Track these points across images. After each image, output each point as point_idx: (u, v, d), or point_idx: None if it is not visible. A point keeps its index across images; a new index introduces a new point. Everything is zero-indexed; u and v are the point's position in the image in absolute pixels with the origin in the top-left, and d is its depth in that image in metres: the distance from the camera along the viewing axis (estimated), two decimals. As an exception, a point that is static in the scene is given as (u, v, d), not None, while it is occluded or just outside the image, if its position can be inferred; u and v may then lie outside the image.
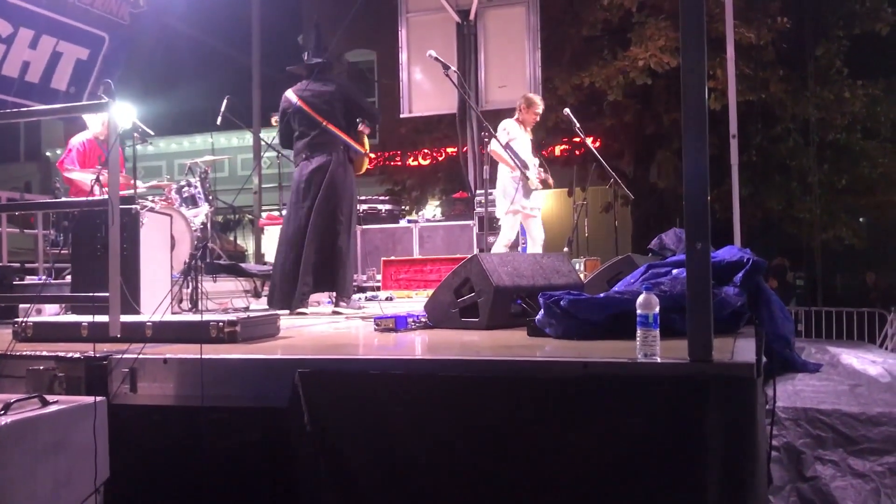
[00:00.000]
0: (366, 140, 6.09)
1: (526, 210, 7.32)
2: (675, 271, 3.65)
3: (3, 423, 2.38)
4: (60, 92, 8.11)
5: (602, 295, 3.51)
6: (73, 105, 4.02)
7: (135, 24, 9.00)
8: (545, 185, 7.53)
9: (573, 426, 2.60)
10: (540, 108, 7.47)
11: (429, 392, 2.74)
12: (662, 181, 14.36)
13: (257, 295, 7.11)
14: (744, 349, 2.84)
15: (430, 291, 8.10)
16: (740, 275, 3.64)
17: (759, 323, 3.76)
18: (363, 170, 6.14)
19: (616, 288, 3.78)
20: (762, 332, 3.62)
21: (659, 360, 2.59)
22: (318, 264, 5.58)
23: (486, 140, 6.09)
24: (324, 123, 5.72)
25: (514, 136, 7.30)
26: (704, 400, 2.46)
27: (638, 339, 2.63)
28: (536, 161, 7.52)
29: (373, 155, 5.80)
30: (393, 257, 8.85)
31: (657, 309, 2.62)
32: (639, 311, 2.63)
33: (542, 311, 3.44)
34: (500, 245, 7.38)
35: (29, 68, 7.92)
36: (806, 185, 14.04)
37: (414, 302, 6.95)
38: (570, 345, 3.22)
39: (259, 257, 9.89)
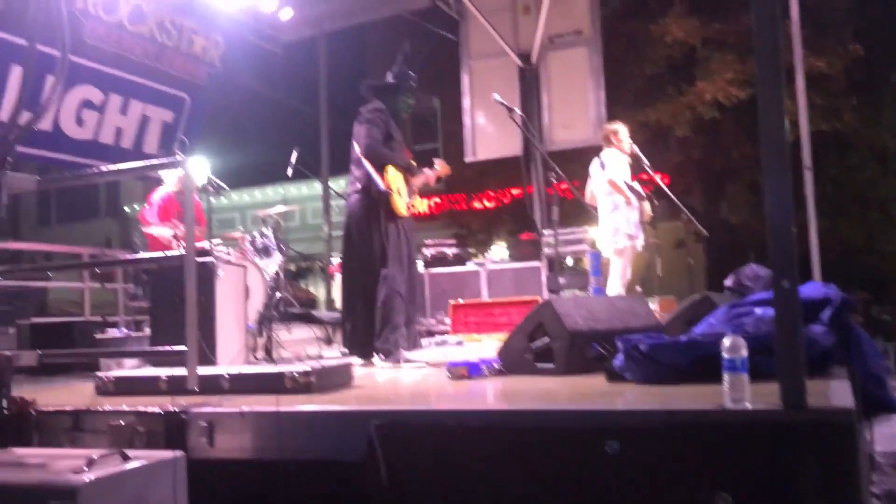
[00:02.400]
0: (390, 173, 5.30)
1: (636, 243, 7.24)
2: (758, 311, 3.51)
3: (87, 479, 2.39)
4: (152, 156, 8.45)
5: (684, 338, 3.39)
6: (150, 163, 4.15)
7: (211, 83, 9.34)
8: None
9: (659, 478, 2.49)
10: (623, 131, 7.45)
11: (507, 444, 2.67)
12: (734, 216, 14.02)
13: (329, 342, 7.14)
14: (839, 392, 2.69)
15: (500, 335, 8.05)
16: (828, 312, 3.48)
17: (850, 362, 3.58)
18: (399, 209, 5.30)
19: (697, 330, 3.65)
20: (855, 373, 3.45)
21: (749, 406, 2.47)
22: (350, 323, 5.38)
23: (554, 181, 6.04)
24: (356, 151, 5.35)
25: (622, 166, 7.29)
26: (801, 448, 2.32)
27: (725, 384, 2.51)
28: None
29: (397, 191, 5.28)
30: (461, 301, 8.81)
31: (745, 352, 2.50)
32: (725, 356, 2.52)
33: (620, 356, 3.34)
34: (616, 284, 7.28)
35: (122, 134, 8.28)
36: (887, 216, 13.52)
37: (484, 346, 6.88)
38: (652, 391, 3.11)
39: (330, 304, 9.97)
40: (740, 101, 11.86)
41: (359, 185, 5.35)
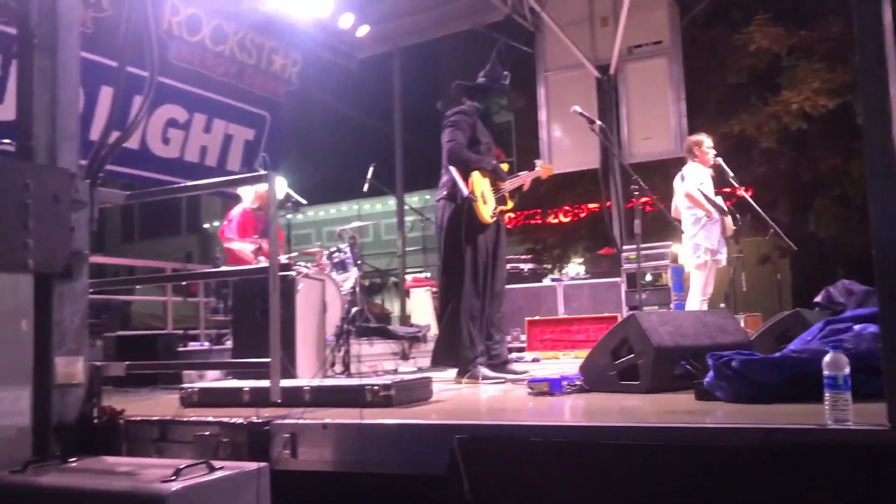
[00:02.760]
0: (475, 178, 5.09)
1: (718, 258, 7.06)
2: (856, 327, 3.34)
3: (174, 488, 2.42)
4: (235, 174, 8.67)
5: (778, 355, 3.24)
6: (234, 178, 4.29)
7: (290, 101, 9.53)
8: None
9: (755, 500, 2.37)
10: (708, 142, 7.28)
11: (593, 461, 2.59)
12: (822, 230, 13.52)
13: (405, 357, 7.14)
14: (951, 414, 2.52)
15: (577, 352, 7.94)
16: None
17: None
18: (483, 217, 5.03)
19: (791, 346, 3.49)
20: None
21: (853, 426, 2.33)
22: (441, 332, 5.25)
23: (635, 194, 5.90)
24: (443, 155, 5.23)
25: (702, 179, 7.12)
26: (911, 472, 2.18)
27: (826, 402, 2.38)
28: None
29: (479, 198, 5.05)
30: (537, 317, 8.71)
31: (848, 370, 2.37)
32: (826, 373, 2.39)
33: (710, 373, 3.22)
34: (697, 300, 7.12)
35: (207, 152, 8.52)
36: None
37: (561, 363, 6.77)
38: (745, 409, 2.98)
39: (404, 319, 10.00)
40: (828, 110, 11.44)
41: (444, 192, 5.20)
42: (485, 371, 4.97)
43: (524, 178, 5.49)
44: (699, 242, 7.06)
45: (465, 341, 4.99)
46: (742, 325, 7.40)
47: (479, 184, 5.10)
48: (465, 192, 4.97)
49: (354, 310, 6.42)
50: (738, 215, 7.26)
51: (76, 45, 3.47)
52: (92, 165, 3.42)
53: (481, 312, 5.11)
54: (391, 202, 15.65)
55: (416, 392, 3.73)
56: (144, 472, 2.65)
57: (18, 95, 3.35)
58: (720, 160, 7.18)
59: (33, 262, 3.06)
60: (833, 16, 11.48)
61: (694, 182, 7.11)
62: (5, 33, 6.10)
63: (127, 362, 3.69)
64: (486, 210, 5.09)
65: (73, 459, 2.92)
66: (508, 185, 5.37)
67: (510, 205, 5.39)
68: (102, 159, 3.43)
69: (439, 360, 5.23)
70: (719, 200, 7.20)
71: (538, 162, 5.75)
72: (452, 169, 5.08)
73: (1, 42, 6.25)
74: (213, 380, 5.36)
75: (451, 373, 5.13)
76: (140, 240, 25.84)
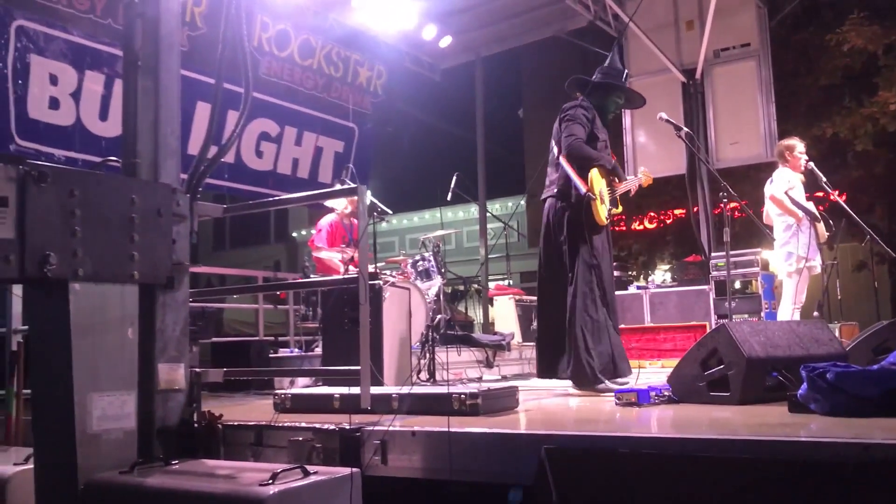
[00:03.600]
0: (594, 176, 4.88)
1: (812, 265, 6.87)
2: (961, 339, 3.21)
3: (272, 491, 2.51)
4: (326, 185, 8.92)
5: (876, 367, 3.14)
6: (326, 191, 4.46)
7: (375, 112, 9.73)
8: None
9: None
10: (801, 146, 7.10)
11: (682, 473, 2.57)
12: (923, 236, 12.94)
13: (489, 365, 7.17)
14: None
15: (664, 361, 7.81)
16: None
17: None
18: (600, 217, 4.83)
19: (890, 359, 3.38)
20: None
21: (958, 443, 2.25)
22: (547, 340, 4.94)
23: (724, 199, 5.78)
24: (555, 150, 5.00)
25: (793, 184, 6.96)
26: None
27: (929, 418, 2.31)
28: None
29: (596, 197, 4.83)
30: (623, 325, 8.60)
31: (952, 384, 2.29)
32: (929, 387, 2.31)
33: (804, 385, 3.14)
34: (788, 309, 6.94)
35: (298, 165, 8.80)
36: None
37: (648, 372, 6.68)
38: (842, 423, 2.90)
39: (487, 327, 10.03)
40: (929, 110, 10.96)
41: (555, 189, 4.97)
42: (609, 384, 4.67)
43: (632, 184, 5.32)
44: (791, 250, 6.88)
45: (585, 352, 4.69)
46: (837, 334, 7.17)
47: (598, 182, 4.90)
48: (583, 189, 4.76)
49: (439, 317, 6.49)
50: (831, 221, 7.03)
51: (177, 65, 3.65)
52: (192, 180, 3.58)
53: (605, 320, 4.82)
54: (473, 210, 15.74)
55: (502, 401, 3.76)
56: (243, 476, 2.76)
57: (124, 115, 3.53)
58: (812, 165, 6.97)
59: (138, 273, 3.22)
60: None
61: (781, 186, 6.94)
62: (109, 53, 6.44)
63: (224, 369, 3.84)
64: (603, 211, 4.88)
65: (176, 462, 3.06)
66: (623, 188, 5.19)
67: (620, 208, 5.20)
68: (202, 174, 3.58)
69: (545, 370, 4.99)
70: (811, 206, 6.99)
71: (642, 169, 5.68)
72: (565, 164, 4.86)
73: (105, 62, 6.59)
74: (303, 386, 5.52)
75: (537, 381, 5.12)
76: (230, 248, 26.65)
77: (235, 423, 3.58)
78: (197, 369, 3.61)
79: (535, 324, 5.15)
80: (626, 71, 5.31)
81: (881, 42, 11.42)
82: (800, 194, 6.99)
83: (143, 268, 3.23)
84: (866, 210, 12.70)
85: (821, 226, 6.84)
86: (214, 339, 7.17)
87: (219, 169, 7.60)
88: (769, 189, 7.09)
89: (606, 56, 5.42)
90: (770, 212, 7.14)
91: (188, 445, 3.40)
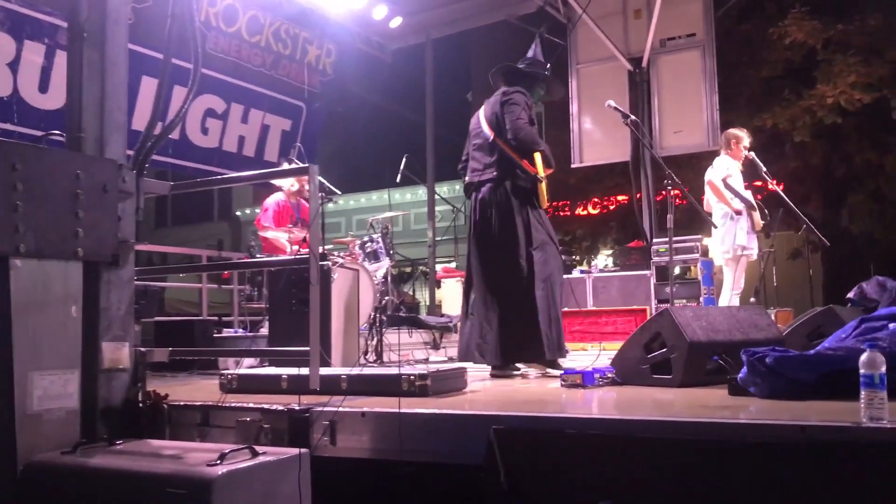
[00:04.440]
0: (538, 160, 4.97)
1: (748, 252, 7.04)
2: (892, 325, 3.35)
3: (220, 472, 2.50)
4: (272, 164, 8.79)
5: (812, 352, 3.26)
6: (276, 171, 4.41)
7: (324, 91, 9.62)
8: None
9: (788, 496, 2.40)
10: (747, 140, 7.26)
11: (626, 454, 2.64)
12: (855, 226, 13.37)
13: (436, 347, 7.21)
14: None
15: (605, 344, 7.95)
16: (972, 328, 3.29)
17: None
18: (544, 201, 4.99)
19: (826, 343, 3.51)
20: None
21: (888, 424, 2.35)
22: (504, 328, 4.81)
23: (668, 186, 5.89)
24: (492, 136, 4.99)
25: (731, 172, 7.11)
26: (946, 471, 2.20)
27: (862, 401, 2.41)
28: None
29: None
30: (566, 309, 8.72)
31: (884, 368, 2.40)
32: (863, 371, 2.41)
33: (744, 369, 3.24)
34: (727, 295, 7.12)
35: (244, 142, 8.64)
36: None
37: (589, 355, 6.79)
38: (780, 405, 3.00)
39: (434, 309, 10.07)
40: (864, 105, 11.29)
41: (494, 174, 4.97)
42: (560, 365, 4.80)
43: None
44: (728, 237, 7.05)
45: (547, 331, 4.74)
46: (773, 319, 7.40)
47: (541, 166, 4.97)
48: (532, 172, 4.89)
49: (387, 299, 6.49)
50: (766, 210, 7.23)
51: (124, 39, 3.56)
52: (138, 156, 3.51)
53: (558, 301, 4.89)
54: (422, 192, 15.71)
55: (451, 382, 3.79)
56: (189, 456, 2.74)
57: (68, 88, 3.44)
58: (753, 154, 7.15)
59: (83, 250, 3.15)
60: (871, 9, 11.32)
61: (720, 173, 7.11)
62: (50, 24, 6.23)
63: (170, 348, 3.78)
64: (546, 194, 4.99)
65: (120, 442, 3.01)
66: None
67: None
68: (149, 150, 3.51)
69: (515, 357, 4.90)
70: (748, 195, 7.17)
71: None
72: (505, 149, 4.92)
73: (46, 32, 6.38)
74: (248, 366, 5.47)
75: (484, 364, 5.14)
76: (172, 226, 26.15)
77: (181, 404, 3.54)
78: (142, 348, 3.56)
79: (473, 313, 4.98)
80: (548, 64, 5.39)
81: (820, 37, 11.73)
82: (738, 182, 7.16)
83: (87, 245, 3.16)
84: (802, 200, 13.07)
85: (756, 214, 7.03)
86: (158, 319, 7.05)
87: (164, 146, 7.42)
88: (709, 175, 7.25)
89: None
90: (710, 199, 7.30)
91: (133, 426, 3.36)
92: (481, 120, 5.17)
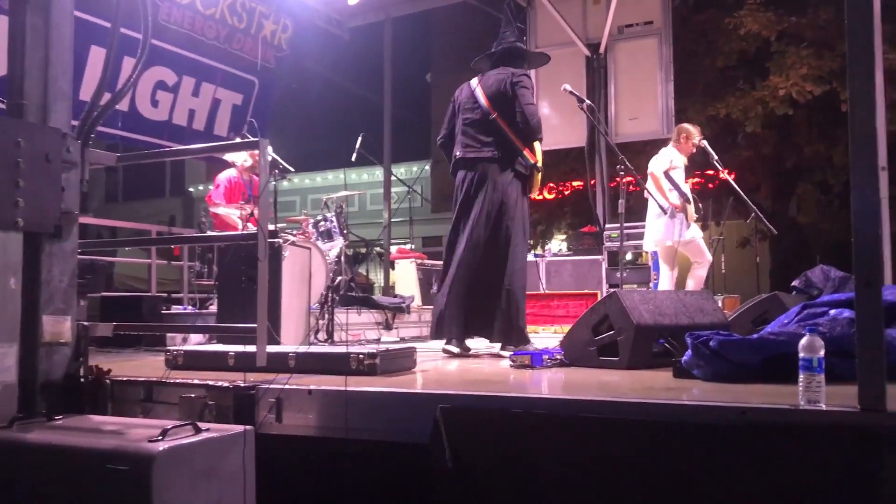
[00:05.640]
0: (538, 149, 5.00)
1: (692, 240, 7.12)
2: (832, 312, 3.43)
3: (161, 447, 2.46)
4: (222, 138, 8.64)
5: (755, 336, 3.32)
6: (226, 143, 4.30)
7: (279, 67, 9.47)
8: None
9: (728, 476, 2.46)
10: (697, 138, 7.33)
11: (571, 433, 2.66)
12: (803, 216, 13.68)
13: (388, 327, 7.20)
14: (919, 398, 2.61)
15: (556, 327, 8.03)
16: (905, 316, 3.38)
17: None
18: (536, 190, 5.07)
19: (769, 328, 3.58)
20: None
21: (824, 407, 2.41)
22: (474, 302, 4.82)
23: (621, 173, 5.94)
24: (493, 115, 4.90)
25: (675, 164, 7.19)
26: (878, 452, 2.26)
27: (801, 384, 2.46)
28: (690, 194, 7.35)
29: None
30: (519, 292, 8.76)
31: (822, 353, 2.45)
32: (802, 355, 2.46)
33: (689, 352, 3.30)
34: (666, 280, 7.21)
35: (195, 116, 8.47)
36: (965, 220, 12.99)
37: (541, 337, 6.85)
38: (722, 388, 3.06)
39: (388, 290, 10.04)
40: (814, 97, 11.52)
41: (494, 153, 4.90)
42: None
43: None
44: (662, 227, 7.15)
45: (522, 317, 4.83)
46: (720, 305, 7.53)
47: (540, 156, 5.01)
48: (532, 160, 4.92)
49: (339, 279, 6.46)
50: (700, 204, 7.35)
51: (70, 4, 3.45)
52: (83, 126, 3.42)
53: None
54: (378, 172, 15.63)
55: (399, 361, 3.79)
56: (131, 432, 2.69)
57: (10, 53, 3.33)
58: (705, 143, 7.24)
59: (23, 220, 3.07)
60: (823, 3, 11.52)
61: (662, 164, 7.18)
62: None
63: (114, 323, 3.71)
64: (538, 184, 5.04)
65: (59, 417, 2.96)
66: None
67: None
68: (94, 120, 3.42)
69: (479, 332, 4.94)
70: (686, 188, 7.26)
71: None
72: (506, 130, 4.87)
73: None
74: (196, 343, 5.40)
75: (436, 343, 5.15)
76: (124, 201, 25.67)
77: (124, 379, 3.48)
78: (85, 322, 3.49)
79: (448, 283, 4.93)
80: (524, 28, 5.40)
81: (774, 28, 11.90)
82: (679, 176, 7.22)
83: (28, 215, 3.08)
84: (753, 189, 13.33)
85: (690, 207, 7.09)
86: (104, 294, 6.92)
87: (112, 117, 7.28)
88: (651, 165, 7.33)
89: (517, 27, 5.43)
90: (649, 188, 7.40)
91: (74, 401, 3.29)
92: (478, 95, 5.03)
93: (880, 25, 7.05)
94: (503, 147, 4.91)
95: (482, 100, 4.99)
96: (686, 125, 7.59)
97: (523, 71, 5.06)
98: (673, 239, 7.08)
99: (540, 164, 4.98)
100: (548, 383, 3.57)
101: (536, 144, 5.00)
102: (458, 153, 5.08)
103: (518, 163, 4.92)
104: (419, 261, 9.11)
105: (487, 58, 5.22)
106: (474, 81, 5.14)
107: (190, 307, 7.54)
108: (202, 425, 2.71)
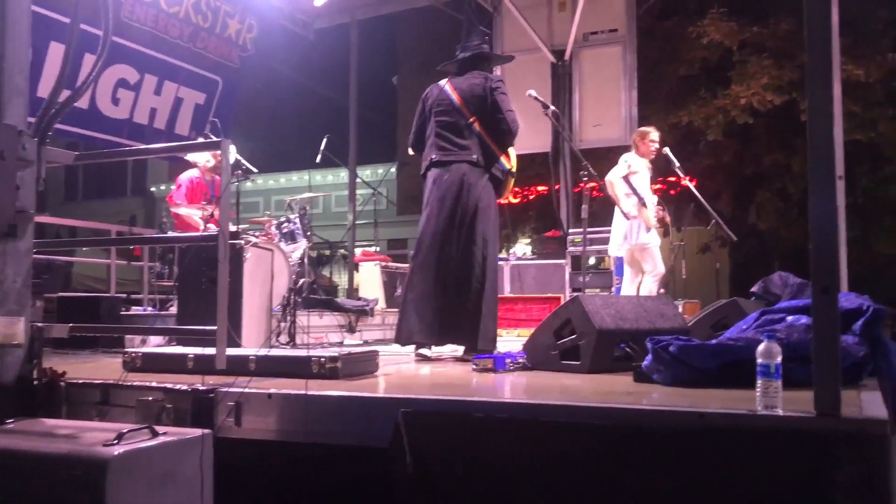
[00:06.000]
0: (513, 154, 5.07)
1: (646, 246, 7.17)
2: (790, 318, 3.48)
3: (116, 452, 2.42)
4: (184, 137, 8.52)
5: (714, 341, 3.36)
6: (189, 143, 4.22)
7: (243, 67, 9.38)
8: (662, 223, 7.38)
9: (686, 480, 2.48)
10: (654, 135, 7.39)
11: (533, 437, 2.67)
12: (762, 223, 13.91)
13: (352, 330, 7.16)
14: (872, 403, 2.66)
15: (520, 330, 8.06)
16: (860, 323, 3.43)
17: (880, 374, 3.54)
18: (506, 195, 5.11)
19: (728, 334, 3.62)
20: (886, 385, 3.41)
21: (781, 412, 2.45)
22: (445, 305, 4.78)
23: (585, 178, 5.98)
24: (470, 119, 4.87)
25: (635, 169, 7.23)
26: (833, 457, 2.30)
27: (758, 389, 2.49)
28: (655, 199, 7.38)
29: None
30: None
31: (780, 358, 2.48)
32: (760, 360, 2.49)
33: (649, 357, 3.32)
34: (628, 285, 7.26)
35: (156, 115, 8.34)
36: (919, 229, 13.32)
37: (504, 340, 6.87)
38: (681, 393, 3.09)
39: (352, 293, 9.99)
40: (775, 106, 11.74)
41: (474, 157, 4.87)
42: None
43: None
44: (623, 232, 7.22)
45: (491, 320, 4.79)
46: (681, 310, 7.61)
47: (515, 161, 5.07)
48: (507, 166, 4.98)
49: (302, 281, 6.41)
50: (667, 219, 7.44)
51: (27, -1, 3.39)
52: (40, 123, 3.35)
53: None
54: (343, 174, 15.58)
55: (362, 365, 3.76)
56: (85, 436, 2.64)
57: (-35, 48, 3.25)
58: (667, 150, 7.31)
59: (-24, 219, 3.00)
60: (784, 14, 11.73)
61: (619, 171, 7.24)
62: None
63: (70, 324, 3.64)
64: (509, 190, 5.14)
65: (11, 421, 2.89)
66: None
67: None
68: (52, 117, 3.36)
69: (449, 338, 4.91)
70: (647, 192, 7.32)
71: None
72: (483, 134, 4.87)
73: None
74: (155, 345, 5.32)
75: (399, 347, 5.11)
76: (84, 200, 25.22)
77: (80, 381, 3.41)
78: (39, 324, 3.42)
79: (420, 287, 4.88)
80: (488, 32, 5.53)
81: (736, 38, 12.10)
82: (642, 179, 7.27)
83: (-20, 213, 3.01)
84: (713, 196, 13.50)
85: (647, 212, 7.16)
86: (62, 294, 6.78)
87: (72, 115, 7.11)
88: (609, 173, 7.38)
89: (481, 29, 5.45)
90: (610, 194, 7.46)
91: (26, 404, 3.22)
92: (451, 97, 5.00)
93: (838, 39, 7.25)
94: (480, 151, 4.91)
95: (457, 102, 4.97)
96: (641, 127, 7.66)
97: (499, 77, 5.12)
98: (631, 242, 7.14)
99: (514, 169, 5.03)
100: (510, 387, 3.57)
101: (511, 150, 5.05)
102: (433, 156, 5.03)
103: (495, 167, 4.95)
104: (384, 263, 9.08)
105: (456, 62, 5.21)
106: (445, 83, 5.12)
107: (149, 308, 7.43)
108: (159, 429, 2.67)
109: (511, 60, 5.94)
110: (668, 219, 7.49)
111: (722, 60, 12.68)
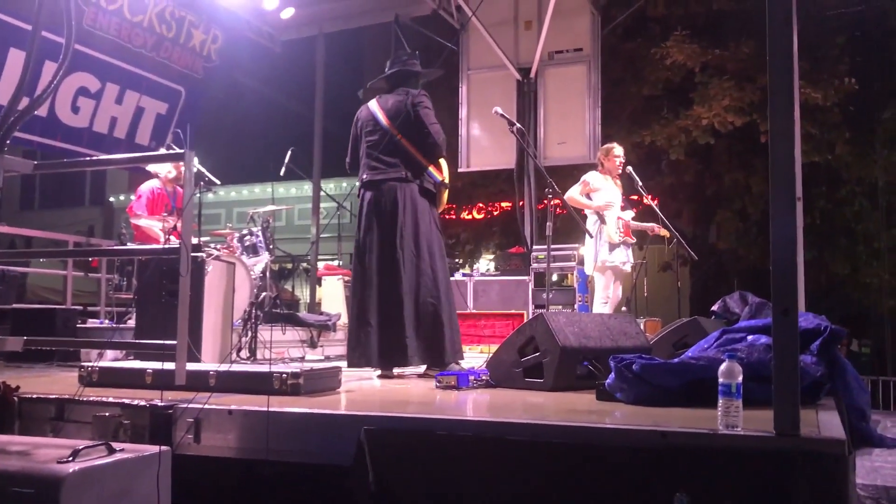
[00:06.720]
0: (444, 165, 5.15)
1: (612, 264, 7.20)
2: (750, 337, 3.53)
3: (70, 469, 2.36)
4: (144, 147, 8.41)
5: (676, 360, 3.39)
6: (152, 154, 4.15)
7: (207, 77, 9.30)
8: (631, 235, 7.42)
9: (648, 498, 2.49)
10: (618, 150, 7.45)
11: (496, 455, 2.66)
12: (722, 242, 14.11)
13: (314, 345, 7.10)
14: (830, 423, 2.70)
15: (483, 347, 8.06)
16: (817, 343, 3.50)
17: (836, 393, 3.60)
18: (442, 206, 5.16)
19: (689, 353, 3.66)
20: (842, 405, 3.47)
21: (742, 431, 2.47)
22: (403, 330, 4.74)
23: (549, 195, 6.02)
24: (397, 136, 4.94)
25: (595, 187, 7.28)
26: (793, 476, 2.33)
27: (720, 409, 2.52)
28: (632, 213, 7.43)
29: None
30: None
31: (740, 378, 2.51)
32: (721, 380, 2.52)
33: (612, 375, 3.34)
34: (598, 303, 7.28)
35: (116, 124, 8.23)
36: (873, 250, 13.61)
37: (467, 357, 6.85)
38: (644, 411, 3.10)
39: (314, 307, 9.92)
40: (735, 127, 11.94)
41: (403, 173, 4.91)
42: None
43: None
44: (592, 249, 7.27)
45: (450, 333, 4.80)
46: (642, 328, 7.67)
47: (447, 172, 5.11)
48: (438, 178, 5.03)
49: (264, 294, 6.34)
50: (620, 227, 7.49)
51: (-13, 4, 3.32)
52: (-2, 132, 3.27)
53: None
54: (307, 187, 15.48)
55: (324, 381, 3.73)
56: (39, 452, 2.58)
57: (-79, 52, 3.18)
58: (630, 169, 7.38)
59: (-71, 228, 2.92)
60: (747, 37, 11.96)
61: (576, 188, 7.30)
62: None
63: (24, 337, 3.55)
64: (445, 200, 5.16)
65: (-38, 437, 2.81)
66: None
67: None
68: (10, 126, 3.28)
69: (424, 360, 4.88)
70: (615, 210, 7.37)
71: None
72: (412, 151, 4.94)
73: None
74: (113, 359, 5.22)
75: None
76: (40, 209, 24.71)
77: (34, 396, 3.33)
78: (-8, 337, 3.33)
79: (374, 310, 4.84)
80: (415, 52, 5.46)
81: (699, 60, 12.31)
82: (607, 196, 7.30)
83: (-66, 223, 2.93)
84: (675, 215, 13.69)
85: (606, 228, 7.21)
86: (16, 306, 6.63)
87: (30, 123, 7.01)
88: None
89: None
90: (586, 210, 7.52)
91: (-23, 420, 3.13)
92: (378, 116, 5.06)
93: (796, 62, 7.40)
94: (409, 166, 4.97)
95: (383, 120, 5.04)
96: (605, 145, 7.74)
97: (421, 91, 5.11)
98: (601, 257, 7.19)
99: (447, 180, 5.09)
100: (473, 405, 3.56)
101: (442, 161, 5.12)
102: (364, 176, 5.08)
103: (426, 181, 5.01)
104: (347, 278, 9.03)
105: (384, 79, 5.26)
106: (373, 103, 5.19)
107: (107, 321, 7.29)
108: (116, 445, 2.61)
109: (439, 75, 5.85)
110: (658, 230, 7.48)
111: (684, 81, 12.87)
